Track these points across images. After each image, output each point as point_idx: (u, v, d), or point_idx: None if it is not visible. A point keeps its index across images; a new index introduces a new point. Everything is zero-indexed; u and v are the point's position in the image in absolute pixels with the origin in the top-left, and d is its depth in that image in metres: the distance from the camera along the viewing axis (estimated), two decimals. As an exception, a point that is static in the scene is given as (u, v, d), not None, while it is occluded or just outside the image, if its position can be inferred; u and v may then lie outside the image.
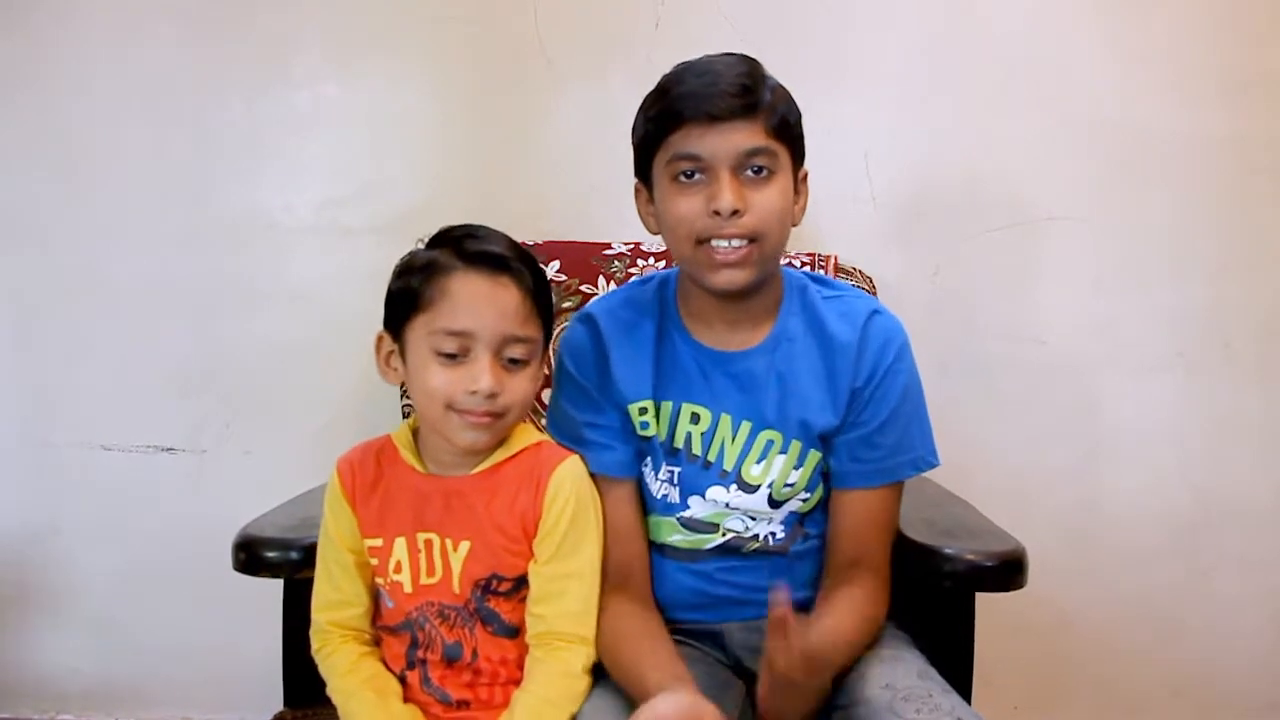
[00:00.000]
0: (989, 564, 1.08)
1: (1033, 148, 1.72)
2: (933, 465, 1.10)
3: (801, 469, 1.09)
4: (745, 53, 1.05)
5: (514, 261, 1.00)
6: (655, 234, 1.10)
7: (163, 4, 1.72)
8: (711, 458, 1.09)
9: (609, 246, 1.53)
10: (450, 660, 1.04)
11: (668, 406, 1.10)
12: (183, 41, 1.72)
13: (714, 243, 1.01)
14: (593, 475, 1.08)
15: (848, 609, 1.03)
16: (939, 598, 1.12)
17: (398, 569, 1.04)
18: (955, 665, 1.10)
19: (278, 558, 1.13)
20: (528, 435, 1.08)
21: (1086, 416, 1.77)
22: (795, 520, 1.11)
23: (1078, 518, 1.78)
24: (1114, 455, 1.78)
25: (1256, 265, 1.75)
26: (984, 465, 1.69)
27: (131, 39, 1.72)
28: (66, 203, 1.74)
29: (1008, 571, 1.08)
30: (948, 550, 1.09)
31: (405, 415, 1.41)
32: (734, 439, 1.09)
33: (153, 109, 1.72)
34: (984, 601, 1.14)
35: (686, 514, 1.10)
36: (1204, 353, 1.76)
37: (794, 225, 1.07)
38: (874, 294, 1.48)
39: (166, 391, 1.77)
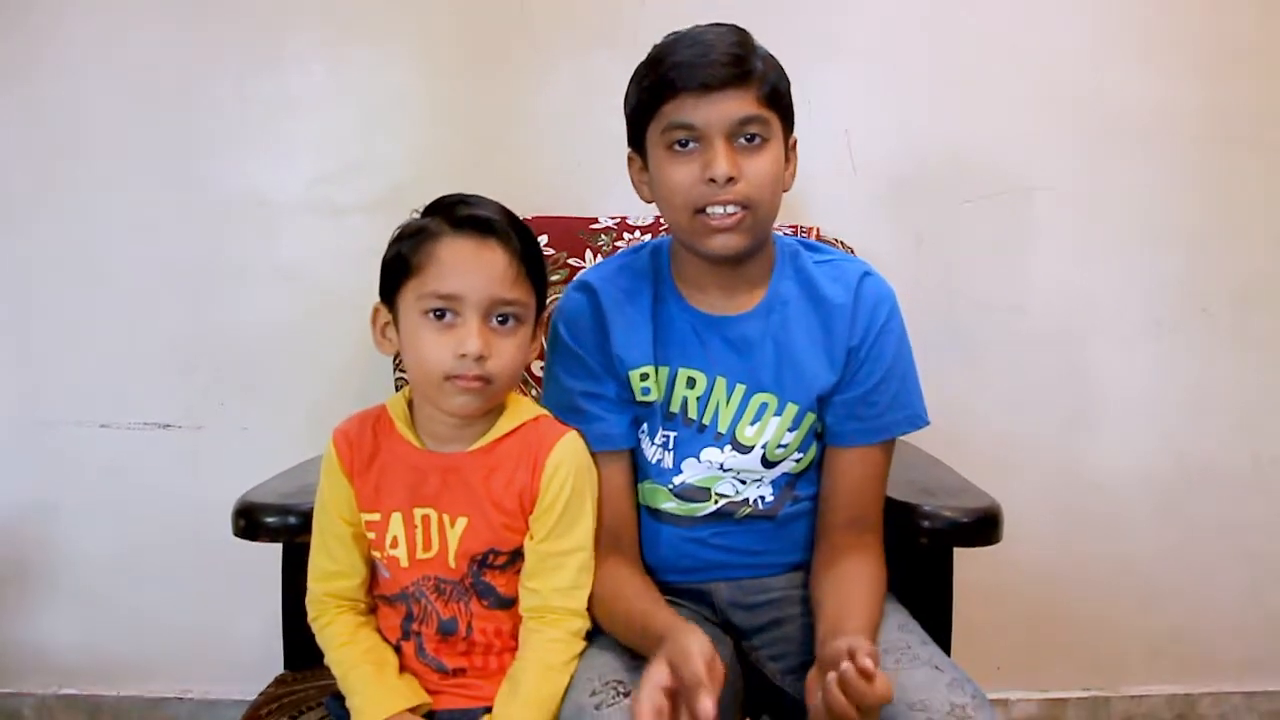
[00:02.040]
0: (965, 520, 1.11)
1: (1013, 119, 1.74)
2: (926, 422, 1.12)
3: (796, 431, 1.11)
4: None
5: (501, 225, 1.00)
6: (649, 203, 1.11)
7: (151, -14, 1.72)
8: (706, 420, 1.11)
9: (596, 221, 1.54)
10: (445, 634, 1.06)
11: (665, 371, 1.12)
12: (172, 22, 1.72)
13: (709, 209, 1.02)
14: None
15: (869, 589, 1.04)
16: (918, 555, 1.15)
17: (394, 544, 1.04)
18: (935, 619, 1.14)
19: (277, 523, 1.14)
20: (526, 410, 1.08)
21: (1068, 384, 1.80)
22: (786, 482, 1.13)
23: (1059, 483, 1.81)
24: (1095, 421, 1.81)
25: (1233, 233, 1.78)
26: (966, 433, 1.71)
27: (122, 21, 1.72)
28: (60, 183, 1.75)
29: (983, 527, 1.10)
30: (926, 507, 1.12)
31: (399, 389, 1.43)
32: (728, 401, 1.11)
33: (143, 90, 1.73)
34: (968, 565, 1.17)
35: (679, 479, 1.12)
36: (1182, 319, 1.79)
37: (785, 191, 1.08)
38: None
39: (163, 369, 1.78)
